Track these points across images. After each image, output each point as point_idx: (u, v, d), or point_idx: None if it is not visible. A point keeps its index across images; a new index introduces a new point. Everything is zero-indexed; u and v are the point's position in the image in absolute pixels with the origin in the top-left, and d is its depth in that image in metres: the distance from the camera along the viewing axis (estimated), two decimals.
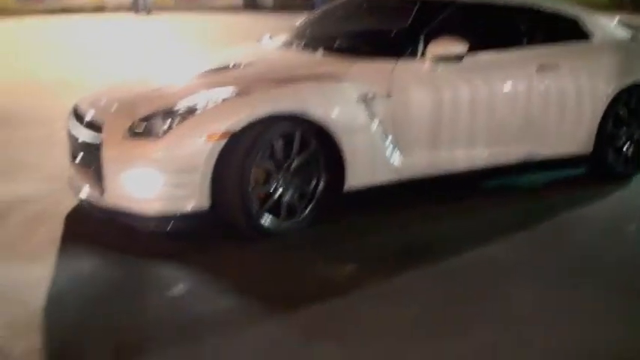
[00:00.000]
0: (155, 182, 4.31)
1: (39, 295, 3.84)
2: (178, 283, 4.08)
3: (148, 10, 23.44)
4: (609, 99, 5.71)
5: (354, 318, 3.71)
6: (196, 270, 4.22)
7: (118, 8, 24.50)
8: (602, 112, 5.71)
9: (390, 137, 4.86)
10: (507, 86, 5.33)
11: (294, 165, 4.60)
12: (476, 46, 5.16)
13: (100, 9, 24.65)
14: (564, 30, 5.85)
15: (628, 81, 5.79)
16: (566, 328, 3.64)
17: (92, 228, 4.73)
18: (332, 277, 4.18)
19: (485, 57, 5.30)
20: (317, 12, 6.60)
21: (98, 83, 5.64)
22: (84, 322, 3.62)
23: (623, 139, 5.94)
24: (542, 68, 5.44)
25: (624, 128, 5.92)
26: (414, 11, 5.45)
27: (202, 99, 4.50)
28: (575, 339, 3.54)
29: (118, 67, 9.81)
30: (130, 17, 22.72)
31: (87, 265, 4.25)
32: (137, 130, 4.40)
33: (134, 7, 23.78)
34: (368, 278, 4.15)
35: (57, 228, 4.77)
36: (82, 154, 4.75)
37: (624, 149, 5.96)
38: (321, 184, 4.72)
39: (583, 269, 4.35)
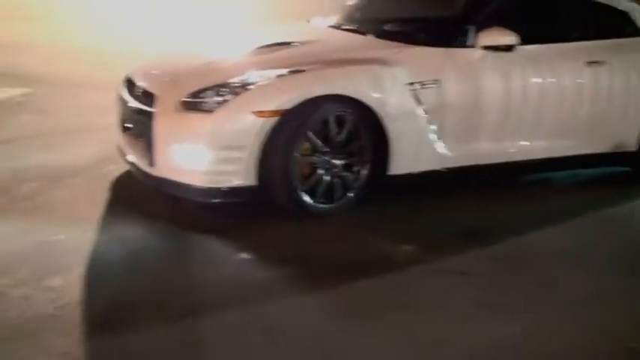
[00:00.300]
0: (204, 156, 4.29)
1: (83, 259, 3.90)
2: (224, 253, 4.12)
3: None
4: None
5: (415, 292, 3.77)
6: (243, 244, 4.22)
7: None
8: None
9: (436, 125, 4.79)
10: (556, 79, 5.21)
11: (340, 147, 4.56)
12: (527, 38, 5.05)
13: None
14: (615, 24, 5.72)
15: None
16: (617, 311, 3.68)
17: (139, 196, 4.76)
18: (389, 255, 4.20)
19: (536, 49, 5.18)
20: None
21: (149, 52, 5.64)
22: (129, 285, 3.68)
23: None
24: (591, 63, 5.32)
25: None
26: None
27: (255, 75, 4.47)
28: (626, 322, 3.58)
29: (170, 38, 9.89)
30: None
31: (131, 232, 4.28)
32: (189, 104, 4.38)
33: None
34: (425, 257, 4.18)
35: (105, 194, 4.82)
36: (132, 124, 4.77)
37: None
38: (367, 168, 4.67)
39: (630, 259, 4.38)
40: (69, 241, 4.10)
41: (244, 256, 4.10)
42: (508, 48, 4.92)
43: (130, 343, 3.16)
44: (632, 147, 5.64)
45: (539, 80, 5.15)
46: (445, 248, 4.32)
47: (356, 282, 3.83)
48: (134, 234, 4.24)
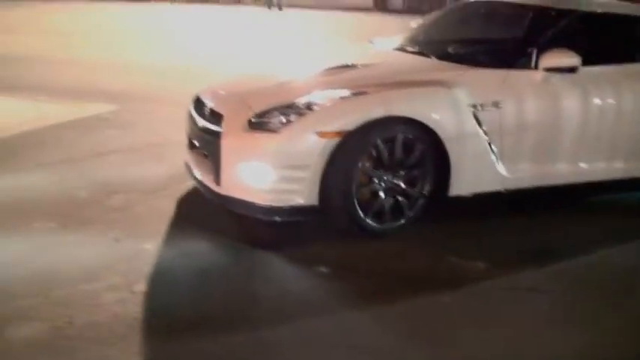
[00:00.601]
0: (269, 175, 4.31)
1: (165, 268, 4.07)
2: (290, 268, 4.18)
3: (280, 6, 23.68)
4: None
5: (484, 307, 3.79)
6: (310, 259, 4.26)
7: (255, 1, 24.91)
8: None
9: (498, 147, 4.70)
10: (619, 101, 5.05)
11: (401, 167, 4.51)
12: (591, 58, 4.93)
13: (237, 1, 25.13)
14: None
15: None
16: None
17: (205, 212, 4.82)
18: (457, 271, 4.21)
19: (599, 70, 5.06)
20: (432, 16, 6.48)
21: (223, 72, 5.76)
22: (206, 295, 3.81)
23: None
24: None
25: None
26: (530, 20, 5.30)
27: (319, 97, 4.48)
28: None
29: (240, 58, 10.15)
30: (262, 11, 23.06)
31: (204, 246, 4.37)
32: (256, 124, 4.41)
33: (267, 3, 24.10)
34: (493, 274, 4.17)
35: (185, 207, 4.97)
36: (200, 142, 4.83)
37: None
38: (428, 188, 4.61)
39: None
40: (153, 251, 4.25)
41: (313, 270, 4.14)
42: (571, 69, 4.80)
43: (209, 350, 3.28)
44: None
45: (603, 101, 5.00)
46: (512, 265, 4.30)
47: (424, 297, 3.86)
48: (206, 248, 4.33)
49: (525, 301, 3.87)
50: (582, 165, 5.06)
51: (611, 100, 5.03)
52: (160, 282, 3.90)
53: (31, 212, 4.76)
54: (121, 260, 4.12)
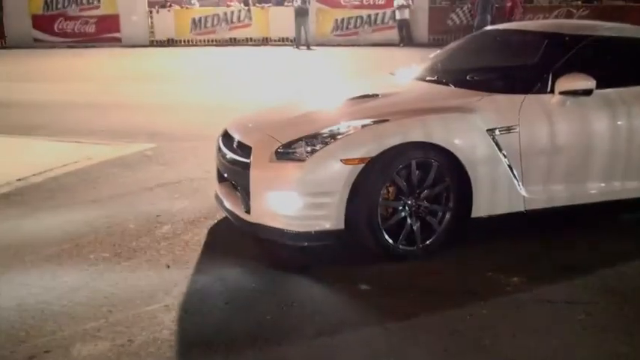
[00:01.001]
0: (297, 202, 4.40)
1: (202, 291, 4.21)
2: (327, 289, 4.26)
3: (308, 45, 23.80)
4: None
5: (522, 318, 3.86)
6: (348, 277, 4.35)
7: (282, 40, 25.12)
8: None
9: (517, 169, 4.73)
10: (636, 122, 5.06)
11: (423, 191, 4.57)
12: (606, 82, 4.96)
13: (265, 41, 25.35)
14: None
15: None
16: None
17: (241, 239, 4.91)
18: (494, 285, 4.26)
19: (614, 93, 5.07)
20: (450, 46, 6.54)
21: (251, 108, 5.89)
22: (241, 317, 3.91)
23: None
24: None
25: None
26: (544, 46, 5.35)
27: (343, 125, 4.57)
28: None
29: (270, 93, 10.32)
30: (291, 50, 23.24)
31: (238, 270, 4.49)
32: (282, 154, 4.51)
33: (296, 42, 24.24)
34: (529, 287, 4.22)
35: (214, 237, 5.08)
36: (229, 174, 4.94)
37: None
38: (451, 212, 4.66)
39: None
40: (203, 275, 4.42)
41: (352, 289, 4.22)
42: (586, 92, 4.82)
43: None
44: None
45: (619, 122, 5.02)
46: (547, 279, 4.35)
47: (462, 310, 3.93)
48: (247, 272, 4.46)
49: (562, 312, 3.93)
50: (602, 184, 5.07)
51: (627, 121, 5.05)
52: (210, 303, 4.04)
53: (85, 244, 4.92)
54: (174, 283, 4.28)
